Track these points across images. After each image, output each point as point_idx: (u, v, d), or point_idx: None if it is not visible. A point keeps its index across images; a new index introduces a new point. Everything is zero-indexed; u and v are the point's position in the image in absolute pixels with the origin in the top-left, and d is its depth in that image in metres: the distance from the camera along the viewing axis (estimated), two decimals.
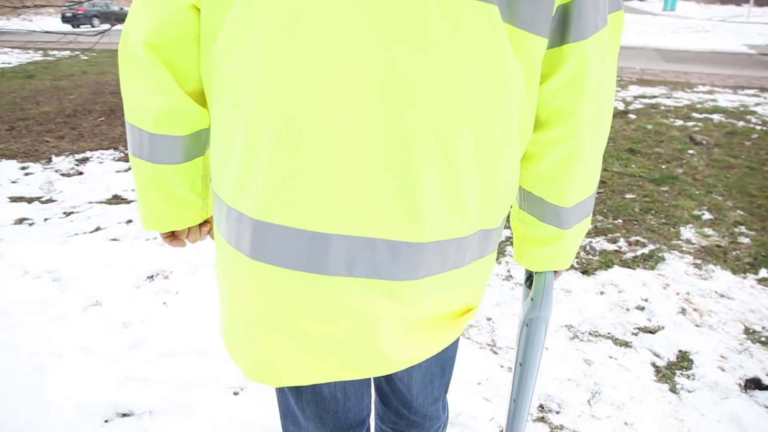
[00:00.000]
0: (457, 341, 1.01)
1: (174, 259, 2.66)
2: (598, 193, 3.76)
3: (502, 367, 1.97)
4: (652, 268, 2.72)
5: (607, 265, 2.74)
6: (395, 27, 0.60)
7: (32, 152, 4.44)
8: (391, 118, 0.62)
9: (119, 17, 19.44)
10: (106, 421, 1.69)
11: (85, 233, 3.01)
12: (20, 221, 3.16)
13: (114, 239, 2.92)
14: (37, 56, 11.26)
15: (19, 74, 8.66)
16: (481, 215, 0.73)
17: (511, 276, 2.64)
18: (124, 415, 1.72)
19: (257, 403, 1.76)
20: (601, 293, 2.48)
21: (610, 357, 2.03)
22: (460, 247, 0.73)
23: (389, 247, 0.68)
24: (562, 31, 0.69)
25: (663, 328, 2.21)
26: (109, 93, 7.05)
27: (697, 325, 2.24)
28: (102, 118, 5.69)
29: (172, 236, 0.93)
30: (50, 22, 20.80)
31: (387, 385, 1.04)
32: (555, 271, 0.94)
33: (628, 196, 3.69)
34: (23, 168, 4.06)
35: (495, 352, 2.05)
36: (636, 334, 2.18)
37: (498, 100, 0.66)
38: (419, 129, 0.63)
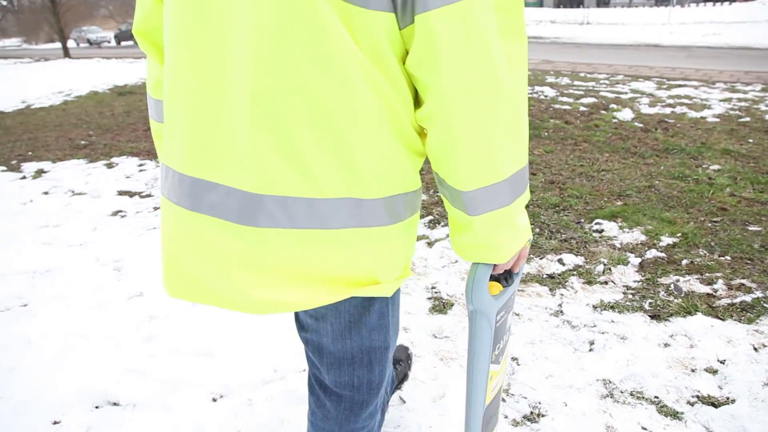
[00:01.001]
0: (384, 335, 1.03)
1: None
2: (712, 222, 3.14)
3: (506, 417, 1.71)
4: (750, 321, 2.17)
5: (687, 310, 2.25)
6: (227, 11, 0.72)
7: (154, 151, 5.00)
8: (225, 83, 0.75)
9: None
10: (96, 407, 1.80)
11: None
12: (116, 213, 3.55)
13: None
14: None
15: None
16: (341, 182, 0.79)
17: (561, 311, 2.30)
18: (114, 404, 1.81)
19: (230, 413, 1.73)
20: (666, 345, 2.04)
21: (644, 428, 1.65)
22: (316, 208, 0.79)
23: (230, 192, 0.79)
24: (412, 6, 0.72)
25: (734, 401, 1.74)
26: None
27: None
28: None
29: None
30: None
31: (305, 346, 1.08)
32: (495, 266, 0.96)
33: (751, 228, 3.03)
34: (140, 165, 4.59)
35: (503, 399, 1.78)
36: (693, 404, 1.74)
37: (326, 71, 0.72)
38: (248, 92, 0.74)
